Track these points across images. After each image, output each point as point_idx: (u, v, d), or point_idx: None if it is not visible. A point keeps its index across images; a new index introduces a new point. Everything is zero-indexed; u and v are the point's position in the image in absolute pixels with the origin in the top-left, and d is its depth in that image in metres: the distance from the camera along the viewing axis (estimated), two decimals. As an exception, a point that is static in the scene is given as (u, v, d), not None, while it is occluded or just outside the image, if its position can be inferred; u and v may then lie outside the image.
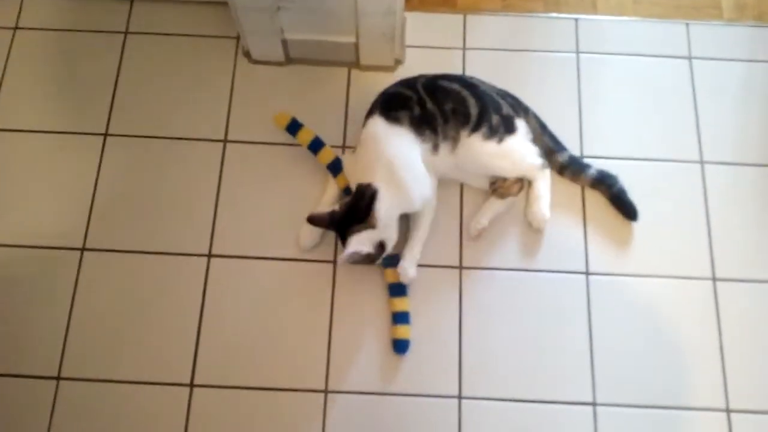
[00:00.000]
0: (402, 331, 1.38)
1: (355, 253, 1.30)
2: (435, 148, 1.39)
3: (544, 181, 1.46)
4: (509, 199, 1.45)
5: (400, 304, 1.39)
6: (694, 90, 1.60)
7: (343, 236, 1.33)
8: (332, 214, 1.34)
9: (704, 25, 1.67)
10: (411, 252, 1.41)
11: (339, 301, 1.42)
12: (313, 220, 1.36)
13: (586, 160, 1.51)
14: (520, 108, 1.49)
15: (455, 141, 1.39)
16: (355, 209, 1.32)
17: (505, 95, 1.49)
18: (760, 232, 1.48)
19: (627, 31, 1.67)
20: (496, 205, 1.45)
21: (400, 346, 1.37)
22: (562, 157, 1.48)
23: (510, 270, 1.45)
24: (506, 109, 1.44)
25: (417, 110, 1.38)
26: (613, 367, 1.38)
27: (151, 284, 1.44)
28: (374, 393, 1.36)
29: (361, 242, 1.30)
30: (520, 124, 1.44)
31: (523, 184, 1.47)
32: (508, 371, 1.38)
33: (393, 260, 1.40)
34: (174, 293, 1.43)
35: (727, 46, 1.65)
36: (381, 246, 1.33)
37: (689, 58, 1.63)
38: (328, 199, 1.46)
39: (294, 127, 1.51)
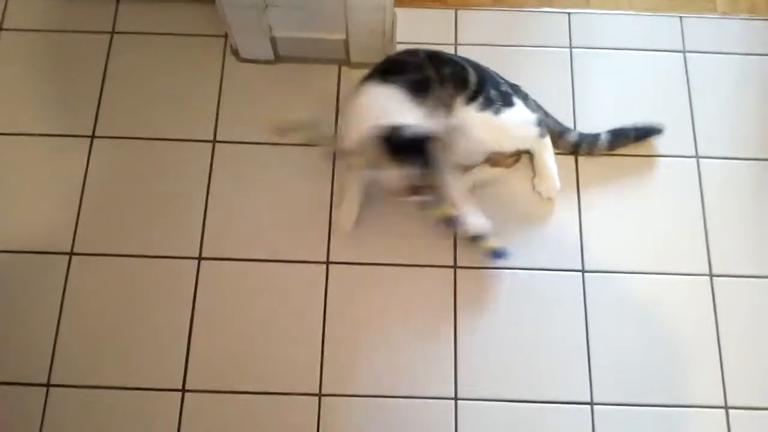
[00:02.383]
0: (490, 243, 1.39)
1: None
2: (431, 114, 1.37)
3: (547, 152, 1.45)
4: (499, 170, 1.45)
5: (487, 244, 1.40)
6: (688, 84, 1.59)
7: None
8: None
9: (698, 19, 1.66)
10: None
11: (332, 303, 1.41)
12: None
13: (582, 158, 1.51)
14: (519, 93, 1.49)
15: (450, 109, 1.38)
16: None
17: (506, 81, 1.48)
18: (757, 227, 1.47)
19: (620, 25, 1.65)
20: (484, 172, 1.44)
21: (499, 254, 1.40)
22: (571, 137, 1.49)
23: (505, 269, 1.43)
24: (505, 88, 1.44)
25: (415, 75, 1.37)
26: (610, 366, 1.37)
27: (141, 288, 1.42)
28: (369, 395, 1.35)
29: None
30: (519, 101, 1.43)
31: (519, 157, 1.47)
32: (504, 371, 1.36)
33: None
34: (164, 297, 1.42)
35: (721, 39, 1.64)
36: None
37: (683, 51, 1.62)
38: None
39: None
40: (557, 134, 1.49)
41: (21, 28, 1.64)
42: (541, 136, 1.44)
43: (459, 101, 1.38)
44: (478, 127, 1.36)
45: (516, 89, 1.49)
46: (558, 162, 1.50)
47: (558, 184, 1.45)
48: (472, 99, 1.38)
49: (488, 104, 1.38)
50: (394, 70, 1.38)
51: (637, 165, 1.51)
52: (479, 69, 1.44)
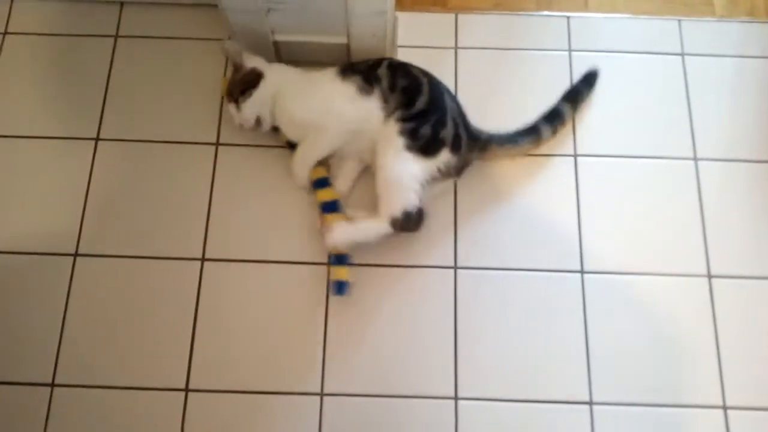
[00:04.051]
0: (339, 272, 1.39)
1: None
2: (365, 92, 1.39)
3: (376, 226, 1.35)
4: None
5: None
6: (687, 87, 1.60)
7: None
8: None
9: (696, 22, 1.66)
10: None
11: (333, 303, 1.42)
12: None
13: (581, 159, 1.52)
14: (479, 141, 1.43)
15: (386, 115, 1.39)
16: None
17: (464, 126, 1.42)
18: (755, 228, 1.48)
19: (619, 28, 1.66)
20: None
21: (338, 288, 1.39)
22: (546, 131, 1.49)
23: (505, 270, 1.44)
24: (445, 134, 1.36)
25: (361, 66, 1.44)
26: (609, 366, 1.37)
27: (145, 289, 1.43)
28: (370, 395, 1.36)
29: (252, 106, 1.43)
30: (444, 155, 1.35)
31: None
32: (504, 371, 1.37)
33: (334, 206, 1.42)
34: (168, 297, 1.43)
35: (720, 42, 1.65)
36: (258, 121, 1.45)
37: (682, 54, 1.63)
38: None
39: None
40: (535, 142, 1.48)
41: (26, 32, 1.65)
42: (393, 223, 1.34)
43: (395, 114, 1.37)
44: (385, 141, 1.36)
45: (473, 138, 1.41)
46: (558, 164, 1.52)
47: (335, 242, 1.36)
48: (403, 120, 1.36)
49: (410, 135, 1.34)
50: (355, 64, 1.47)
51: (636, 166, 1.52)
52: (436, 100, 1.39)
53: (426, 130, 1.36)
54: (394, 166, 1.34)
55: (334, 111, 1.40)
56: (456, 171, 1.41)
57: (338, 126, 1.40)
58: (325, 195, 1.43)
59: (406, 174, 1.34)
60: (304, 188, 1.47)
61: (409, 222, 1.35)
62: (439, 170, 1.37)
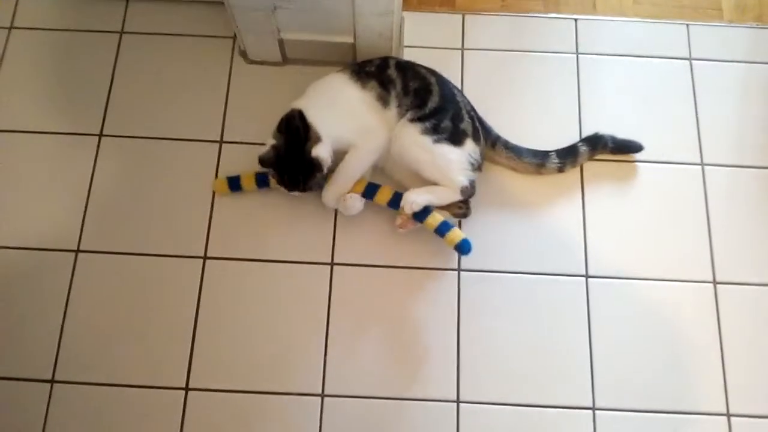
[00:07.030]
0: (454, 235, 1.37)
1: (326, 162, 1.34)
2: (384, 102, 1.41)
3: (447, 192, 1.38)
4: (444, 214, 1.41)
5: (433, 221, 1.37)
6: (694, 91, 1.59)
7: (296, 170, 1.35)
8: (275, 147, 1.37)
9: (704, 26, 1.66)
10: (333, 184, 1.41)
11: (335, 304, 1.41)
12: (263, 161, 1.37)
13: (587, 164, 1.51)
14: (489, 137, 1.46)
15: (400, 117, 1.40)
16: (295, 133, 1.36)
17: (478, 119, 1.46)
18: (761, 235, 1.47)
19: (627, 31, 1.66)
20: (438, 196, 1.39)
21: (463, 247, 1.37)
22: (552, 163, 1.47)
23: (509, 273, 1.44)
24: (465, 126, 1.41)
25: (371, 68, 1.44)
26: (612, 371, 1.37)
27: (146, 286, 1.43)
28: (371, 397, 1.35)
29: (325, 152, 1.34)
30: (470, 146, 1.40)
31: (467, 210, 1.43)
32: (506, 375, 1.37)
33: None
34: (169, 295, 1.42)
35: (728, 47, 1.64)
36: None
37: (689, 59, 1.62)
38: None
39: (235, 183, 1.46)
40: (537, 166, 1.47)
41: (31, 27, 1.65)
42: (463, 190, 1.38)
43: (407, 116, 1.39)
44: (413, 144, 1.37)
45: (485, 133, 1.45)
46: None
47: (418, 204, 1.36)
48: (420, 119, 1.38)
49: (433, 131, 1.37)
50: (360, 64, 1.47)
51: (642, 171, 1.51)
52: (447, 98, 1.42)
53: (447, 123, 1.39)
54: (436, 155, 1.37)
55: (366, 127, 1.40)
56: (478, 164, 1.43)
57: (373, 141, 1.40)
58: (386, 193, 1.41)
59: (450, 155, 1.38)
60: (331, 207, 1.44)
61: (473, 189, 1.40)
62: (469, 160, 1.39)
